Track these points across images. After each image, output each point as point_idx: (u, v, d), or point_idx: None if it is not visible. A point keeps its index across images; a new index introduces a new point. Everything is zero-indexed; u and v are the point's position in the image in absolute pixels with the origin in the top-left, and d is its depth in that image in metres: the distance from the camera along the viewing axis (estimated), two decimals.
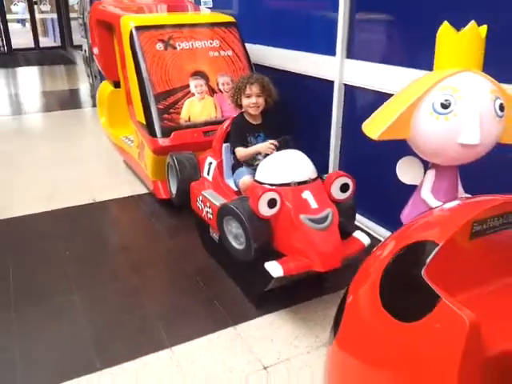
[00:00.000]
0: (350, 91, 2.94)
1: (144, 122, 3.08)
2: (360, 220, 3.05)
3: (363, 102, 2.95)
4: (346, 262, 2.04)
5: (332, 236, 2.03)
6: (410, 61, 2.43)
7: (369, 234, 2.44)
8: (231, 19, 3.41)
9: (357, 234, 2.22)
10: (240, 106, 2.50)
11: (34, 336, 2.13)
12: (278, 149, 2.33)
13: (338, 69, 2.91)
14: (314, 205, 2.08)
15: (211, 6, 4.44)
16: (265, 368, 1.93)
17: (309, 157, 2.25)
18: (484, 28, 1.51)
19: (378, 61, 2.66)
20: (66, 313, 2.28)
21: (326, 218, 2.04)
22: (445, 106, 1.46)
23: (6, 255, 2.78)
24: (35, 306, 2.33)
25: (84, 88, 7.99)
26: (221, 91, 3.17)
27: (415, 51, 2.47)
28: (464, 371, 1.07)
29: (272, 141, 2.35)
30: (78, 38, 8.58)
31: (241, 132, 2.47)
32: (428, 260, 1.21)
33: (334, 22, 2.87)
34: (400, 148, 1.78)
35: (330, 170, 3.19)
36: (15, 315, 2.26)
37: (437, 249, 1.21)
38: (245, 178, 2.35)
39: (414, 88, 1.55)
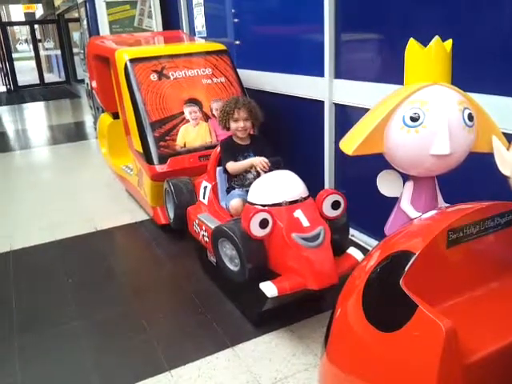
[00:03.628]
0: (341, 110, 2.99)
1: (141, 151, 3.16)
2: (358, 236, 3.07)
3: (354, 119, 2.97)
4: (341, 278, 2.05)
5: (325, 254, 2.04)
6: (397, 78, 2.47)
7: (368, 251, 2.44)
8: (222, 47, 3.51)
9: (350, 250, 2.23)
10: (228, 129, 2.57)
11: (36, 363, 2.16)
12: (271, 168, 2.36)
13: (327, 89, 2.98)
14: (305, 223, 2.09)
15: (205, 35, 4.57)
16: None
17: (304, 176, 2.28)
18: (449, 42, 1.56)
19: (365, 79, 2.72)
20: (67, 339, 2.31)
21: (318, 235, 2.06)
22: (414, 119, 1.50)
23: (9, 285, 2.83)
24: (37, 333, 2.36)
25: (89, 120, 8.16)
26: (214, 116, 3.24)
27: (400, 68, 2.52)
28: (443, 378, 1.09)
29: (265, 158, 2.38)
30: (81, 72, 8.83)
31: (231, 150, 2.53)
32: (406, 270, 1.23)
33: (321, 44, 2.95)
34: None
35: (326, 188, 3.23)
36: (18, 343, 2.29)
37: (413, 258, 1.24)
38: (233, 202, 2.39)
39: (385, 104, 1.60)
